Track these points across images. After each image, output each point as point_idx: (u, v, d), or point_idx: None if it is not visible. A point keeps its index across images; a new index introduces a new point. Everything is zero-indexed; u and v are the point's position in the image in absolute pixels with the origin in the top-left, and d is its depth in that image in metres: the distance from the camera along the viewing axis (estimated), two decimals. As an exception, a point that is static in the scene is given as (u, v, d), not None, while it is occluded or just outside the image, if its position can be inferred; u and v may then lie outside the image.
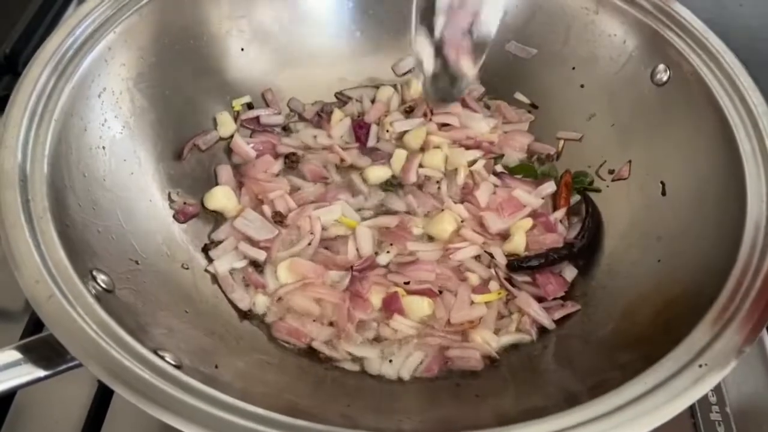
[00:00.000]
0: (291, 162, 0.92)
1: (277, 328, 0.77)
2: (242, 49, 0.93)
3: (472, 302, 0.78)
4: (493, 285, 0.80)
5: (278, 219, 0.85)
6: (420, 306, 0.77)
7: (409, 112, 0.98)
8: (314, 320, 0.77)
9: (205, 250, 0.82)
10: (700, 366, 0.54)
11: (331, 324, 0.77)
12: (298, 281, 0.79)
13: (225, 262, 0.81)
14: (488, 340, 0.75)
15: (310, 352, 0.75)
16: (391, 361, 0.74)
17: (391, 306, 0.77)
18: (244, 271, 0.81)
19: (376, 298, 0.78)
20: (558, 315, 0.78)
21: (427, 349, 0.76)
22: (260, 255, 0.82)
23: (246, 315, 0.78)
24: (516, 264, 0.81)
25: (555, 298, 0.80)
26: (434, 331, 0.77)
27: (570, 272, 0.82)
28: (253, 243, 0.83)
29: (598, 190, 0.89)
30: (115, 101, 0.78)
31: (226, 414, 0.51)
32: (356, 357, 0.75)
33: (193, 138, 0.88)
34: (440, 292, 0.79)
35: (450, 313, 0.77)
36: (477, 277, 0.81)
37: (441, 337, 0.76)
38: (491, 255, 0.82)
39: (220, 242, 0.83)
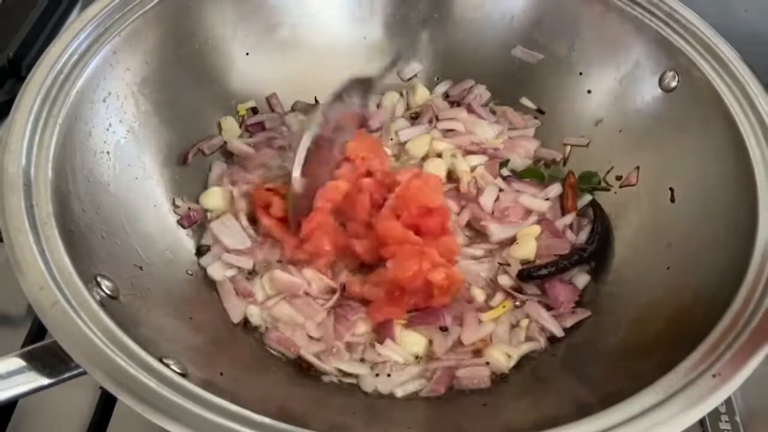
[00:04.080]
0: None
1: (269, 337, 0.76)
2: (247, 54, 0.92)
3: (480, 321, 0.77)
4: (498, 296, 0.80)
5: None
6: (415, 343, 0.75)
7: (414, 117, 0.98)
8: (305, 332, 0.76)
9: (199, 253, 0.82)
10: (714, 376, 0.53)
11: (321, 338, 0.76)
12: (279, 294, 0.78)
13: (217, 268, 0.80)
14: (508, 352, 0.74)
15: (303, 363, 0.74)
16: (389, 375, 0.73)
17: (383, 331, 0.76)
18: (233, 279, 0.80)
19: (362, 326, 0.76)
20: (570, 323, 0.77)
21: (431, 375, 0.73)
22: (246, 264, 0.81)
23: (243, 323, 0.77)
24: (526, 273, 0.80)
25: (564, 305, 0.79)
26: (439, 357, 0.75)
27: (582, 279, 0.81)
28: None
29: (607, 189, 0.88)
30: (120, 106, 0.77)
31: (232, 423, 0.51)
32: (347, 373, 0.74)
33: (198, 143, 0.88)
34: (445, 329, 0.77)
35: (461, 337, 0.75)
36: (482, 293, 0.80)
37: (447, 359, 0.74)
38: (501, 264, 0.82)
39: (204, 248, 0.82)
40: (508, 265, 0.82)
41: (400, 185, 0.80)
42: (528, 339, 0.76)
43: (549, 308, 0.78)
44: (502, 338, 0.76)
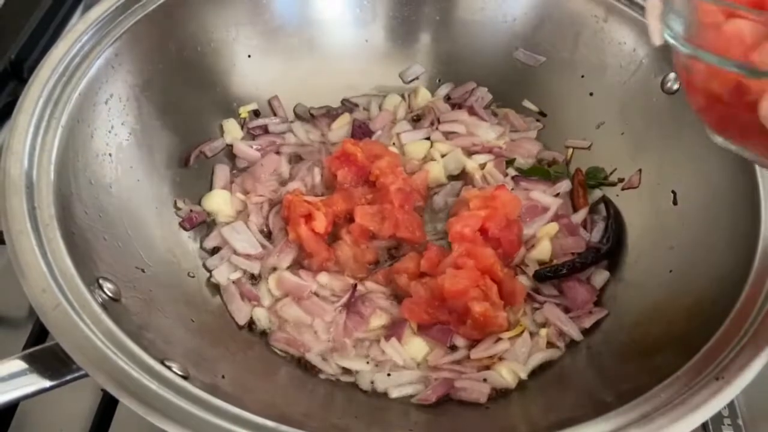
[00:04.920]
0: (295, 161, 0.92)
1: (275, 338, 0.76)
2: (249, 56, 0.92)
3: (499, 339, 0.75)
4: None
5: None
6: (417, 350, 0.75)
7: (416, 120, 0.97)
8: (312, 331, 0.76)
9: (212, 253, 0.82)
10: (717, 379, 0.53)
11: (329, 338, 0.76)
12: (286, 296, 0.78)
13: (223, 271, 0.80)
14: (516, 370, 0.72)
15: (306, 363, 0.74)
16: (389, 375, 0.73)
17: (395, 329, 0.76)
18: (238, 282, 0.80)
19: (377, 320, 0.77)
20: (588, 323, 0.76)
21: (430, 382, 0.73)
22: (254, 268, 0.80)
23: (248, 326, 0.77)
24: (543, 274, 0.80)
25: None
26: (441, 367, 0.74)
27: (600, 277, 0.80)
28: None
29: (614, 184, 0.88)
30: (122, 108, 0.77)
31: (234, 426, 0.51)
32: (348, 370, 0.74)
33: (200, 145, 0.88)
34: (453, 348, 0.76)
35: (471, 352, 0.74)
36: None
37: (450, 370, 0.73)
38: (519, 265, 0.81)
39: (215, 250, 0.82)
40: (526, 265, 0.82)
41: (488, 199, 0.80)
42: (549, 346, 0.75)
43: (566, 310, 0.78)
44: (515, 354, 0.74)
